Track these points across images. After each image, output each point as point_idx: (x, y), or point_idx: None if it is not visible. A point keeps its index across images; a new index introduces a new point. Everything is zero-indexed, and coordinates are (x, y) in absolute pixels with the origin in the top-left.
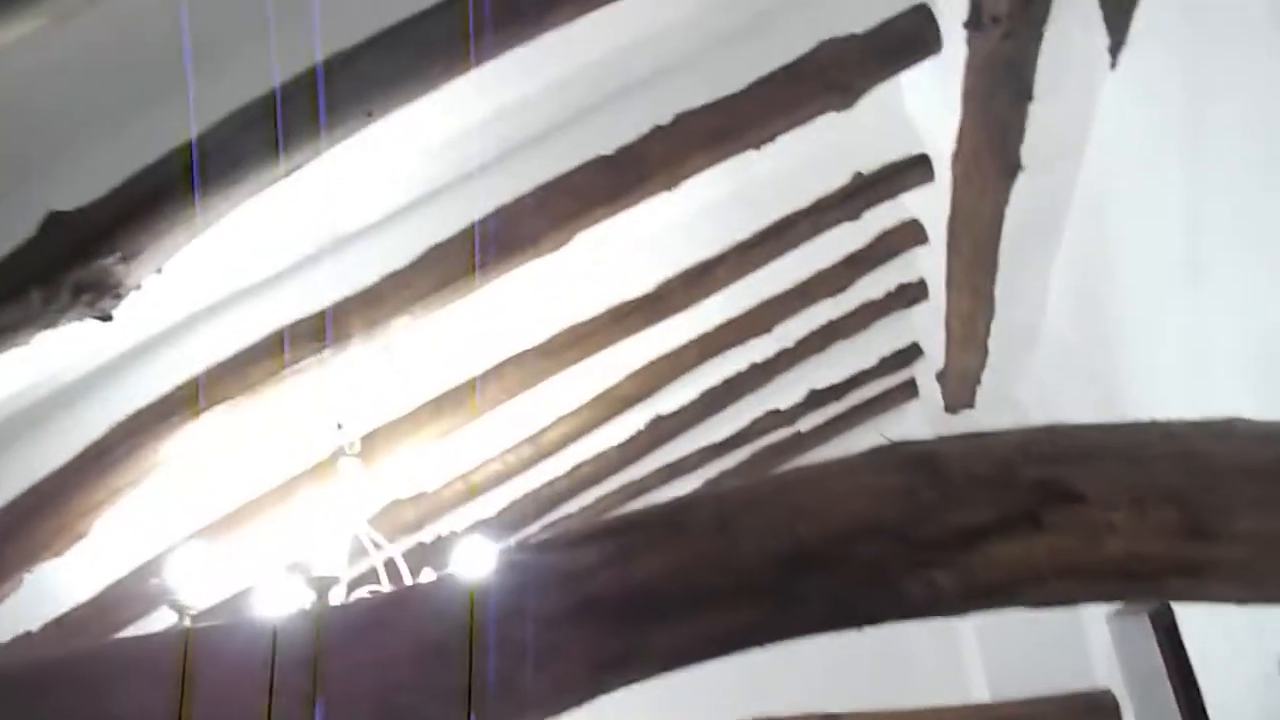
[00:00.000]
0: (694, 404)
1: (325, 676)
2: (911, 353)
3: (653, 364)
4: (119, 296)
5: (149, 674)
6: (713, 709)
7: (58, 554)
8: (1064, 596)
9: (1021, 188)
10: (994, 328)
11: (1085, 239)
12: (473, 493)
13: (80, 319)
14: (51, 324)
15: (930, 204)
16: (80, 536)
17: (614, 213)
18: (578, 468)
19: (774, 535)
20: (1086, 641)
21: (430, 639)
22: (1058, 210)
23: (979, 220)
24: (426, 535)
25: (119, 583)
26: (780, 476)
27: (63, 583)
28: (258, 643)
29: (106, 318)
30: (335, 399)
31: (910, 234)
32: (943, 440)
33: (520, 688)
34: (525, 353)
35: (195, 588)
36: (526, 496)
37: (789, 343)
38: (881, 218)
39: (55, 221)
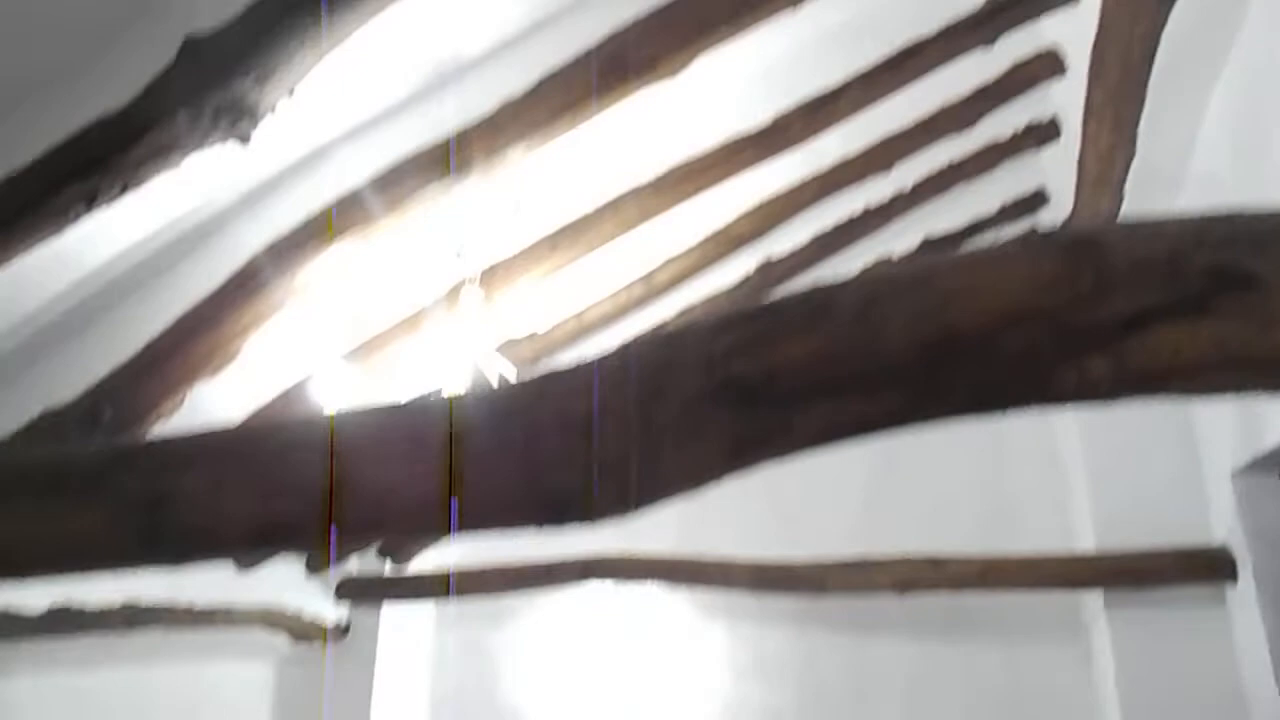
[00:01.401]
0: (806, 248)
1: (475, 452)
2: (1036, 200)
3: (766, 204)
4: (255, 118)
5: (313, 447)
6: (819, 544)
7: (213, 374)
8: (1225, 385)
9: (1183, 3)
10: (1133, 168)
11: (1256, 68)
12: (584, 331)
13: (223, 141)
14: (198, 146)
15: (1072, 28)
16: (232, 358)
17: (735, 33)
18: (688, 310)
19: (921, 321)
20: (1205, 498)
21: (573, 417)
22: (1226, 32)
23: (1129, 42)
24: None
25: (269, 405)
26: (928, 263)
27: (218, 402)
28: (404, 420)
29: (245, 140)
30: (458, 230)
31: (1047, 65)
32: (1108, 226)
33: (661, 465)
34: (639, 188)
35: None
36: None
37: (906, 185)
38: (1017, 47)
39: (192, 46)
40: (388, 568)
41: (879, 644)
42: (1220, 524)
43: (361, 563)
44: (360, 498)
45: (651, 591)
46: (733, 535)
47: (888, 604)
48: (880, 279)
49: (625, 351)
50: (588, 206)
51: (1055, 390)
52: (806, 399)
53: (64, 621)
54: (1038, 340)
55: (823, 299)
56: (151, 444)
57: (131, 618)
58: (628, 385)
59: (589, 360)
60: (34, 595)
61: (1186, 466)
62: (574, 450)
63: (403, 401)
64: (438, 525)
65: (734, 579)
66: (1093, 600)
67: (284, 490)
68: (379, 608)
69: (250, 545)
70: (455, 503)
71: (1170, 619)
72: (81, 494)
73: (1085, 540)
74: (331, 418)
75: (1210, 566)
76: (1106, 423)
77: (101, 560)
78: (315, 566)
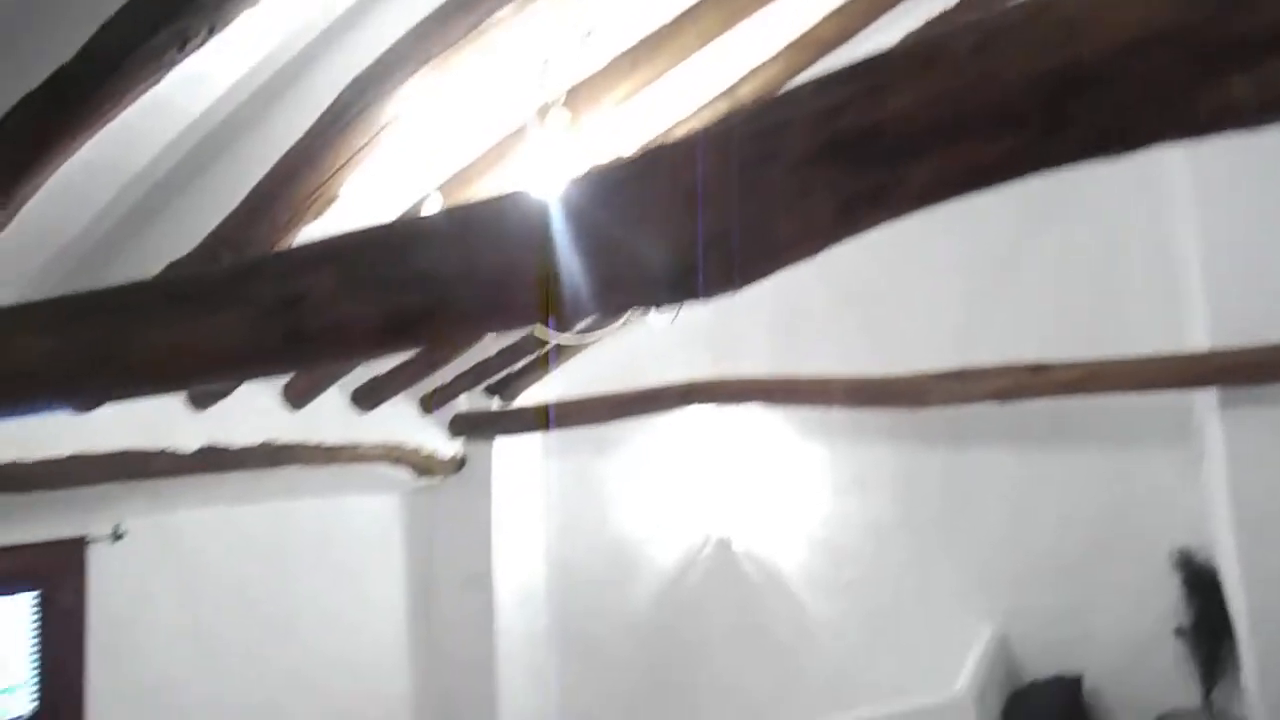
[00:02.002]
0: None
1: (586, 232)
2: None
3: (851, 2)
4: None
5: (434, 239)
6: (916, 358)
7: (316, 215)
8: None
9: None
10: None
11: None
12: None
13: None
14: None
15: None
16: (333, 199)
17: None
18: None
19: (1040, 54)
20: None
21: (681, 190)
22: None
23: None
24: None
25: None
26: None
27: None
28: (518, 207)
29: None
30: (539, 51)
31: None
32: None
33: (772, 231)
34: None
35: None
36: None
37: None
38: None
39: None
40: (495, 404)
41: (979, 455)
42: None
43: (471, 400)
44: (481, 283)
45: (750, 413)
46: (828, 355)
47: (988, 414)
48: (995, 18)
49: (730, 119)
50: (666, 17)
51: (1192, 118)
52: (919, 149)
53: (214, 459)
54: (1172, 63)
55: (933, 45)
56: (281, 252)
57: (271, 455)
58: (734, 153)
59: (695, 131)
60: (188, 437)
61: None
62: (683, 224)
63: (515, 191)
64: (554, 307)
65: (832, 396)
66: (1205, 401)
67: (409, 282)
68: (490, 441)
69: (381, 339)
70: (569, 283)
71: None
72: (222, 302)
73: (1197, 339)
74: (451, 210)
75: None
76: (1225, 207)
77: (247, 363)
78: (429, 406)
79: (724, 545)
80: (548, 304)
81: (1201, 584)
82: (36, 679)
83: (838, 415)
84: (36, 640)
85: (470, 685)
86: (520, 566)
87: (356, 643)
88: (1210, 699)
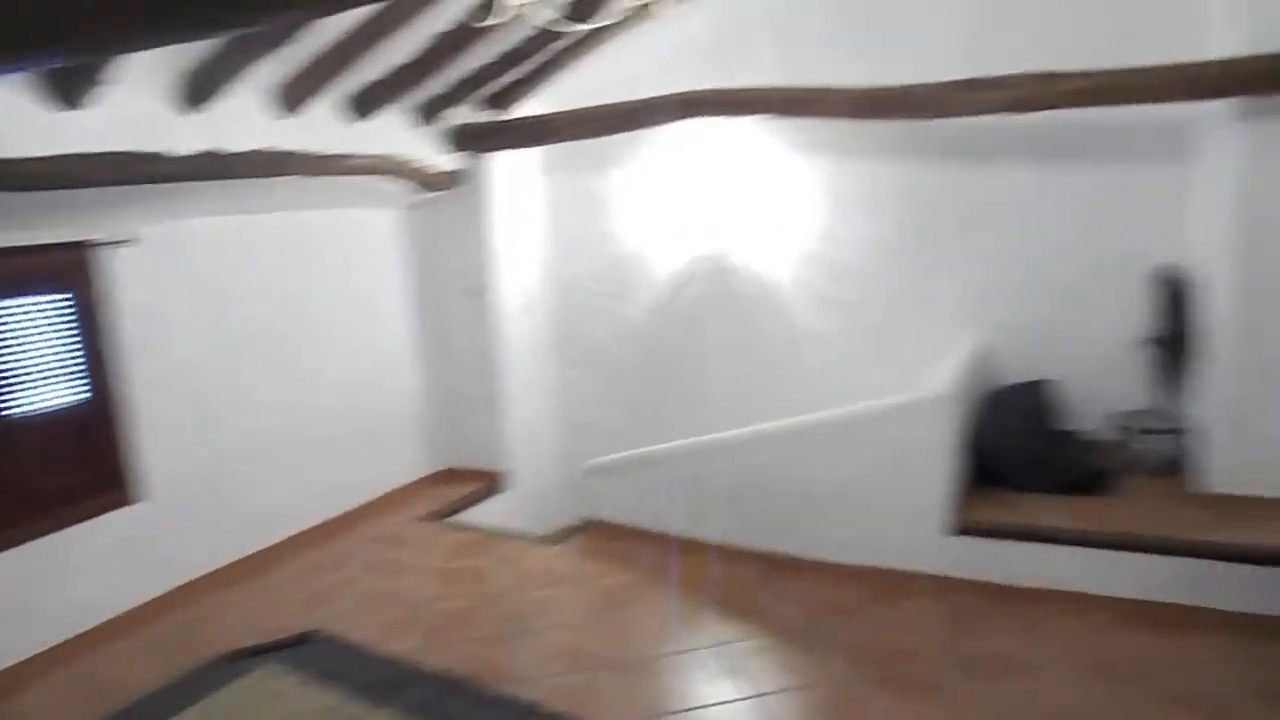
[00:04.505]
0: None
1: None
2: None
3: None
4: None
5: None
6: (930, 69)
7: None
8: None
9: None
10: None
11: None
12: None
13: None
14: None
15: None
16: None
17: None
18: None
19: None
20: None
21: None
22: None
23: None
24: None
25: None
26: None
27: None
28: None
29: None
30: None
31: None
32: None
33: None
34: None
35: None
36: None
37: None
38: None
39: None
40: (490, 117)
41: (987, 172)
42: None
43: (467, 115)
44: None
45: (751, 130)
46: (835, 68)
47: (1000, 128)
48: None
49: None
50: None
51: None
52: None
53: (214, 165)
54: None
55: None
56: None
57: (268, 162)
58: None
59: None
60: (184, 141)
61: None
62: None
63: None
64: None
65: (837, 106)
66: (1216, 113)
67: None
68: (488, 156)
69: None
70: None
71: None
72: None
73: (1219, 50)
74: None
75: None
76: None
77: None
78: (425, 118)
79: (720, 260)
80: None
81: (1174, 299)
82: (83, 371)
83: (842, 131)
84: (76, 337)
85: (475, 383)
86: (520, 278)
87: (370, 341)
88: (1166, 403)
